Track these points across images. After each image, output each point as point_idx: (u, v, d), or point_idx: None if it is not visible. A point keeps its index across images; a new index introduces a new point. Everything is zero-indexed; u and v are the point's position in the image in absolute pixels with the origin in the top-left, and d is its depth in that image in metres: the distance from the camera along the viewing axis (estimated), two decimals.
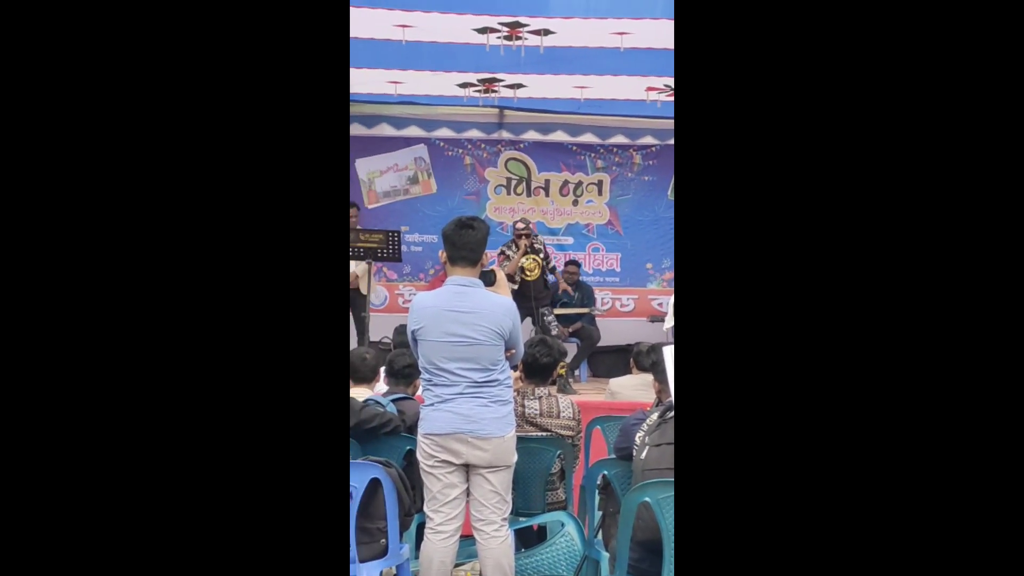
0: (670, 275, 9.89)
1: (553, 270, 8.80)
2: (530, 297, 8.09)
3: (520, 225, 8.49)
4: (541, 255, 8.41)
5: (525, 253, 8.30)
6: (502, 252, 8.45)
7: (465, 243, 3.88)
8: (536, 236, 8.62)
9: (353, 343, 8.10)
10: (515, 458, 3.92)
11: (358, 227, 8.58)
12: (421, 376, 3.98)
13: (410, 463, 4.18)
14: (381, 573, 3.89)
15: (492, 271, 4.11)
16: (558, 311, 9.16)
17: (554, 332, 7.91)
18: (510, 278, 8.06)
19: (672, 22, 5.86)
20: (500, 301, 3.92)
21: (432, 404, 3.84)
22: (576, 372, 8.12)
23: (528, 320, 8.13)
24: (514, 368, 4.18)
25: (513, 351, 3.97)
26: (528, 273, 8.29)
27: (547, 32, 6.26)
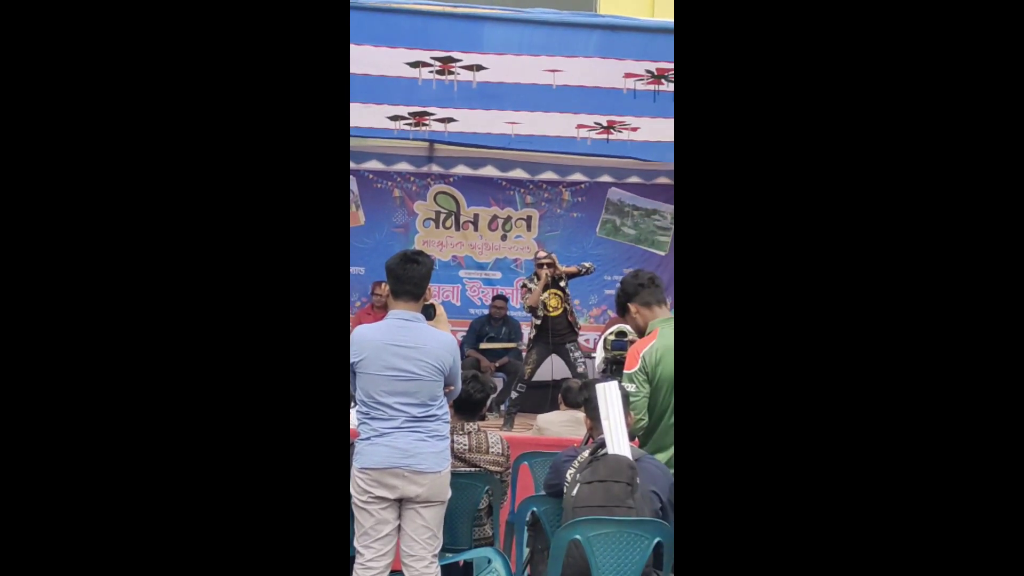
0: (597, 311, 9.94)
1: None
2: (551, 332, 7.76)
3: (542, 255, 8.03)
4: (563, 282, 7.85)
5: (547, 286, 7.76)
6: (524, 285, 8.13)
7: (409, 277, 3.87)
8: (559, 269, 7.89)
9: None
10: (449, 494, 3.91)
11: None
12: (357, 409, 3.94)
13: None
14: None
15: (432, 305, 4.11)
16: (484, 346, 9.13)
17: (580, 370, 7.81)
18: (531, 312, 7.87)
19: (602, 60, 5.99)
20: (442, 337, 3.92)
21: (368, 438, 3.81)
22: (503, 407, 8.07)
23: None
24: (452, 404, 4.17)
25: (452, 387, 3.96)
26: (551, 310, 7.77)
27: (479, 68, 6.28)
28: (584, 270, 8.11)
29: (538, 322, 7.85)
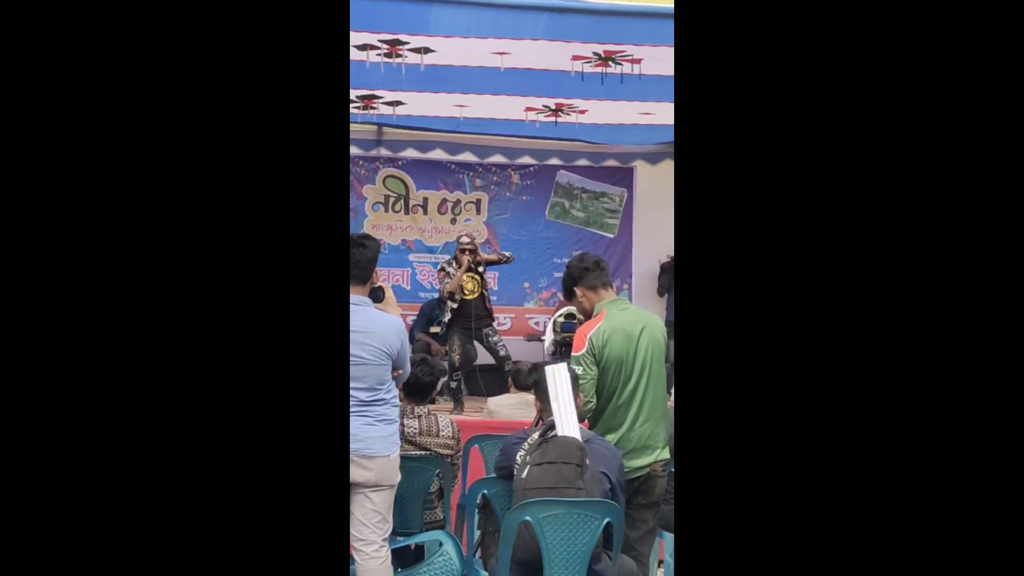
0: (547, 294, 9.96)
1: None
2: (470, 316, 7.93)
3: (465, 240, 8.12)
4: (482, 268, 8.08)
5: (468, 270, 7.94)
6: (442, 269, 8.20)
7: (356, 261, 3.85)
8: (479, 256, 8.14)
9: None
10: (399, 478, 3.91)
11: None
12: None
13: None
14: None
15: (381, 288, 4.09)
16: (435, 329, 9.12)
17: (502, 353, 7.93)
18: (450, 296, 7.96)
19: (550, 43, 5.99)
20: (389, 320, 3.91)
21: None
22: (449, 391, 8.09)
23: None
24: (400, 388, 4.17)
25: (401, 371, 3.96)
26: (468, 293, 7.96)
27: (427, 50, 6.25)
28: (504, 259, 8.33)
29: (455, 306, 7.97)
